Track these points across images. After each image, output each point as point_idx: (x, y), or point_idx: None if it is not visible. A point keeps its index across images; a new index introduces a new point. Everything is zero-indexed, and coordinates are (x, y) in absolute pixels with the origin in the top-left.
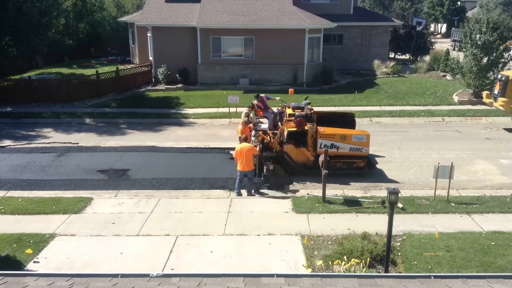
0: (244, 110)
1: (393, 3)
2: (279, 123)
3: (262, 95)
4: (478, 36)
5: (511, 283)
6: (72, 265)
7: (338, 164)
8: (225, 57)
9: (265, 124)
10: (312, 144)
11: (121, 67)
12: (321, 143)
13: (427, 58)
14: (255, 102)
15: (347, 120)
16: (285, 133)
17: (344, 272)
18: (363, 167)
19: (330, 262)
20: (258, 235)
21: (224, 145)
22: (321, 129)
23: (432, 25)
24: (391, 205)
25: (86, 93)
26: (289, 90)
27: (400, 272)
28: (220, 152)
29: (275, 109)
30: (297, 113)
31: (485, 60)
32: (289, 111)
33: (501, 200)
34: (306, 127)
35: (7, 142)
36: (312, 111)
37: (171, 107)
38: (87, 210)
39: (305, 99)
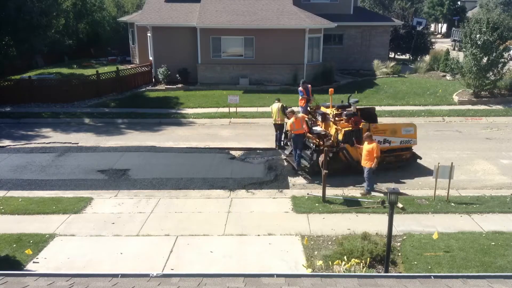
0: (277, 104)
1: (393, 3)
2: (321, 124)
3: (309, 84)
4: (478, 36)
5: (511, 283)
6: (72, 265)
7: (389, 159)
8: (225, 57)
9: (319, 127)
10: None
11: (121, 67)
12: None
13: (427, 58)
14: (300, 88)
15: (370, 115)
16: (342, 133)
17: (344, 272)
18: (409, 159)
19: (330, 262)
20: (258, 235)
21: (224, 145)
22: (373, 125)
23: (432, 25)
24: (391, 205)
25: (86, 93)
26: (329, 90)
27: (400, 272)
28: (220, 152)
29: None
30: (346, 112)
31: (485, 60)
32: (330, 110)
33: (501, 200)
34: (360, 125)
35: (7, 142)
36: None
37: (171, 107)
38: (87, 210)
39: (350, 97)
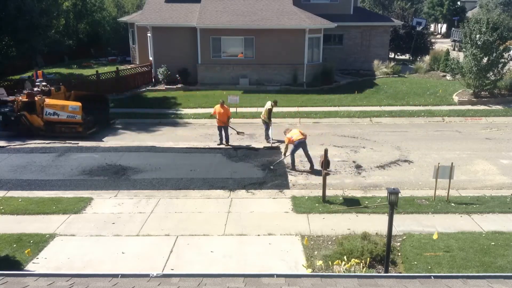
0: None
1: (393, 3)
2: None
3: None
4: (478, 36)
5: (511, 283)
6: (72, 265)
7: (62, 129)
8: (225, 57)
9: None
10: (41, 112)
11: (121, 67)
12: (46, 111)
13: (427, 58)
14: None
15: (100, 100)
16: (20, 103)
17: (344, 272)
18: (81, 131)
19: (330, 262)
20: (258, 235)
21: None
22: (47, 100)
23: (432, 25)
24: (391, 205)
25: None
26: (38, 72)
27: (400, 272)
28: (220, 152)
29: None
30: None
31: (485, 60)
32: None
33: (501, 200)
34: (36, 98)
35: (6, 142)
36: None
37: (171, 107)
38: (87, 210)
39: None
